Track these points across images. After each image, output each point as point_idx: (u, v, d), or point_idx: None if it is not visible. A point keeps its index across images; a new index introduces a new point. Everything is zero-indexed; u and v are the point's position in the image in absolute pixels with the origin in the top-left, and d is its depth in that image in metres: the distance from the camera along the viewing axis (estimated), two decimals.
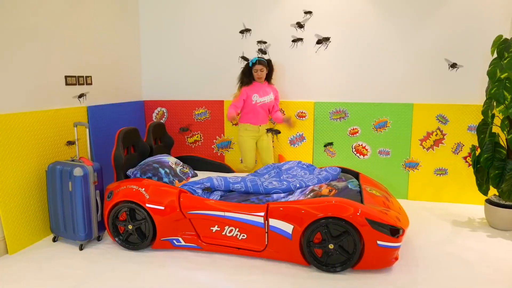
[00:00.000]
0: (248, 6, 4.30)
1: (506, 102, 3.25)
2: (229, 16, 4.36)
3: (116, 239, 3.07)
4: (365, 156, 4.31)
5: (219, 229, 2.90)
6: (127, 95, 4.42)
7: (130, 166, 3.37)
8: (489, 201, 3.56)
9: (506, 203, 3.44)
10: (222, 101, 4.52)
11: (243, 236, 2.86)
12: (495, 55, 3.39)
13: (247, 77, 4.01)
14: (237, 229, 2.86)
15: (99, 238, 3.21)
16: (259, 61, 3.97)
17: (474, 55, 3.92)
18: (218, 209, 2.87)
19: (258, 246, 2.85)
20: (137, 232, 3.02)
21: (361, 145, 4.30)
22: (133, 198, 2.96)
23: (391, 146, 4.23)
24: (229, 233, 2.89)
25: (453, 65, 3.90)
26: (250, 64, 4.00)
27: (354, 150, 4.32)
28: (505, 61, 3.21)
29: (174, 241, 2.99)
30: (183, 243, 2.98)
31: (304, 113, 4.35)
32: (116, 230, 3.07)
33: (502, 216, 3.45)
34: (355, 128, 4.28)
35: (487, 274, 2.70)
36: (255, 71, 3.97)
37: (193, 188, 3.12)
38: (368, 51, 4.15)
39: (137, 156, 3.52)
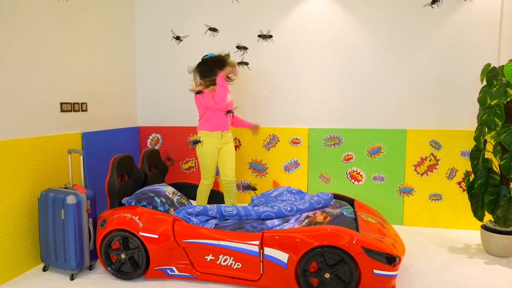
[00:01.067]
0: (245, 31, 4.37)
1: (497, 129, 3.29)
2: (225, 41, 4.42)
3: (109, 268, 3.01)
4: (360, 182, 4.31)
5: (213, 258, 2.86)
6: (122, 121, 4.43)
7: (125, 193, 3.34)
8: (485, 227, 3.55)
9: (502, 229, 3.43)
10: None
11: (238, 265, 2.82)
12: (485, 82, 3.46)
13: (213, 72, 3.63)
14: (232, 258, 2.82)
15: (91, 268, 3.14)
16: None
17: (465, 81, 4.00)
18: (213, 238, 2.83)
19: (253, 275, 2.80)
20: (130, 261, 2.96)
21: (356, 171, 4.31)
22: (126, 226, 2.92)
23: (386, 172, 4.24)
24: (223, 262, 2.85)
25: (433, 1, 3.87)
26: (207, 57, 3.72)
27: (348, 176, 4.33)
28: (494, 89, 3.27)
29: (168, 270, 2.93)
30: (177, 272, 2.93)
31: (298, 139, 4.37)
32: (108, 259, 3.01)
33: (498, 242, 3.43)
34: (350, 154, 4.30)
35: None
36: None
37: (188, 216, 3.09)
38: (362, 77, 4.22)
39: (132, 183, 3.49)
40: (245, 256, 2.77)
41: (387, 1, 4.10)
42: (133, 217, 2.95)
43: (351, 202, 3.53)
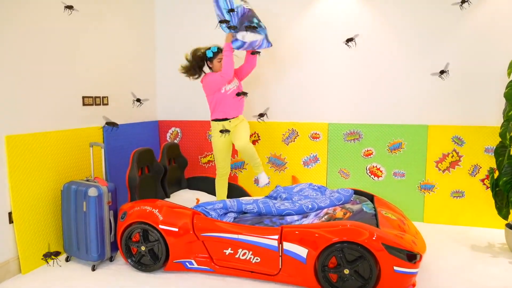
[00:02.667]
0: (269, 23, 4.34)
1: None
2: None
3: (129, 260, 3.05)
4: (380, 178, 4.26)
5: (232, 252, 2.87)
6: (142, 115, 4.48)
7: (145, 186, 3.38)
8: (509, 226, 3.46)
9: None
10: None
11: (257, 259, 2.82)
12: None
13: (199, 68, 3.64)
14: (251, 252, 2.82)
15: (111, 259, 3.20)
16: (220, 49, 3.54)
17: (490, 76, 3.88)
18: (232, 232, 2.84)
19: (272, 270, 2.80)
20: (149, 253, 3.00)
21: (376, 166, 4.25)
22: (146, 219, 2.95)
23: (406, 168, 4.17)
24: (242, 256, 2.86)
25: (442, 72, 3.83)
26: (211, 54, 3.55)
27: (368, 171, 4.28)
28: None
29: (187, 263, 2.96)
30: (196, 265, 2.95)
31: (318, 134, 4.34)
32: (129, 251, 3.06)
33: None
34: (369, 150, 4.25)
35: None
36: (219, 61, 3.53)
37: (207, 209, 3.11)
38: (382, 71, 4.15)
39: (151, 177, 3.54)
40: (264, 251, 2.77)
41: None
42: (153, 210, 2.98)
43: (370, 198, 3.49)
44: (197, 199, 3.52)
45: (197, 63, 3.63)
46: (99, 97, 3.77)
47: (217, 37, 3.82)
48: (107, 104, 3.88)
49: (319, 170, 4.38)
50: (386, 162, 4.21)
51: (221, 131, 3.55)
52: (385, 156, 4.21)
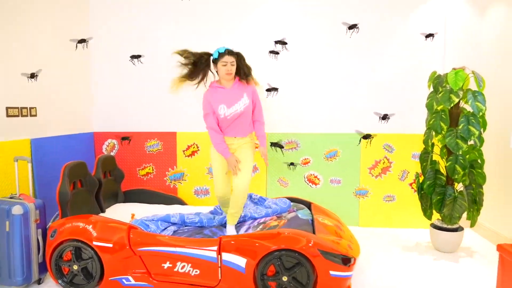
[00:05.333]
0: (201, 35, 4.36)
1: (443, 132, 3.47)
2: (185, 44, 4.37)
3: (60, 281, 2.88)
4: (317, 186, 4.40)
5: (171, 265, 2.80)
6: (75, 127, 4.26)
7: (77, 202, 3.21)
8: (433, 225, 3.73)
9: (448, 226, 3.62)
10: (175, 133, 4.47)
11: (196, 271, 2.78)
12: (432, 89, 3.64)
13: (202, 72, 2.99)
14: (190, 265, 2.78)
15: (39, 282, 2.98)
16: (229, 51, 2.90)
17: (416, 88, 4.19)
18: (170, 245, 2.78)
19: (212, 281, 2.78)
20: (83, 272, 2.85)
21: (313, 174, 4.39)
22: (79, 236, 2.81)
23: (342, 175, 4.36)
24: (181, 269, 2.80)
25: (384, 117, 4.15)
26: (216, 56, 2.91)
27: (306, 179, 4.41)
28: (440, 95, 3.45)
29: (123, 280, 2.85)
30: (133, 282, 2.85)
31: (256, 144, 4.39)
32: (59, 271, 2.88)
33: (445, 239, 3.62)
34: (307, 158, 4.38)
35: None
36: (224, 64, 2.87)
37: (146, 223, 3.03)
38: (319, 82, 4.32)
39: (85, 191, 3.37)
40: (203, 262, 2.74)
41: (337, 14, 4.24)
42: (86, 226, 2.85)
43: (308, 205, 3.59)
44: (132, 214, 3.40)
45: (202, 68, 3.01)
46: (26, 107, 3.54)
47: (161, 40, 3.75)
48: (35, 115, 3.65)
49: (259, 179, 4.43)
50: (323, 170, 4.37)
51: (275, 144, 3.64)
52: (322, 164, 4.37)
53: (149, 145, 4.51)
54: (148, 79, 4.47)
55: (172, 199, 4.07)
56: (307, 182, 4.41)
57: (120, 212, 3.56)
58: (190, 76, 3.02)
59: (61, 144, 3.94)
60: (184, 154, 4.48)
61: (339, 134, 4.32)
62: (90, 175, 3.44)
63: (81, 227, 2.85)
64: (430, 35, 4.19)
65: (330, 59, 4.28)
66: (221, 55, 2.87)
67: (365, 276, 3.14)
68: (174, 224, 3.11)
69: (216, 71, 3.01)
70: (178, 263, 2.79)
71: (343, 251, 2.68)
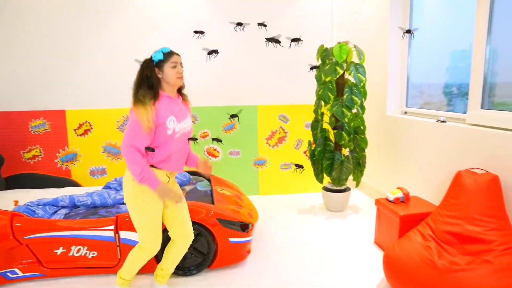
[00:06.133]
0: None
1: (331, 102, 3.76)
2: (70, 15, 4.02)
3: None
4: (217, 158, 4.48)
5: (64, 250, 2.65)
6: None
7: None
8: (325, 188, 4.07)
9: (337, 188, 3.98)
10: (64, 111, 4.13)
11: (93, 253, 2.67)
12: (320, 61, 3.89)
13: (155, 83, 2.13)
14: (86, 247, 2.65)
15: None
16: (175, 52, 2.20)
17: (306, 61, 4.41)
18: (62, 229, 2.61)
19: (111, 261, 2.70)
20: None
21: (212, 147, 4.45)
22: None
23: (241, 147, 4.49)
24: (76, 253, 2.66)
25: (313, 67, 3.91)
26: (161, 57, 2.13)
27: (206, 153, 4.45)
28: (327, 67, 3.71)
29: (9, 273, 2.61)
30: (20, 274, 2.63)
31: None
32: None
33: (335, 200, 3.98)
34: (206, 132, 4.41)
35: (325, 250, 3.09)
36: (173, 66, 2.15)
37: (32, 208, 2.79)
38: (212, 57, 4.31)
39: None
40: (100, 243, 2.64)
41: None
42: None
43: (208, 178, 3.64)
44: (15, 201, 3.11)
45: (145, 76, 2.13)
46: None
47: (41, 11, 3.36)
48: None
49: None
50: (222, 142, 4.44)
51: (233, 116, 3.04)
52: (220, 136, 4.43)
53: (34, 125, 4.12)
54: (33, 53, 4.02)
55: (64, 182, 3.81)
56: (207, 155, 4.45)
57: (1, 200, 3.23)
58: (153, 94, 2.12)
59: None
60: (75, 133, 4.18)
61: (237, 106, 4.40)
62: None
63: None
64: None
65: (229, 34, 4.29)
66: (167, 55, 2.17)
67: (264, 239, 3.33)
68: (64, 207, 2.92)
69: (159, 78, 2.18)
70: (73, 247, 2.65)
71: (242, 218, 2.79)
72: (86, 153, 4.23)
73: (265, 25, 3.57)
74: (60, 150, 4.20)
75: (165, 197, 2.11)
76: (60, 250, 2.65)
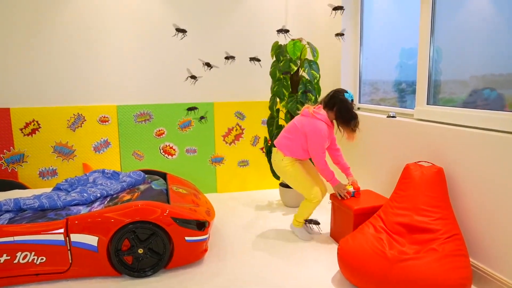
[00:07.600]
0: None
1: (286, 98, 3.80)
2: (14, 8, 3.79)
3: None
4: (173, 156, 4.41)
5: (9, 257, 2.50)
6: None
7: None
8: (281, 184, 4.12)
9: None
10: (8, 109, 3.90)
11: (42, 259, 2.55)
12: (274, 58, 3.92)
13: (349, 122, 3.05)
14: (33, 253, 2.52)
15: None
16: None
17: (261, 58, 4.45)
18: (6, 234, 2.47)
19: (61, 266, 2.59)
20: None
21: (169, 145, 4.38)
22: None
23: (197, 144, 4.44)
24: (23, 259, 2.52)
25: (192, 77, 4.24)
26: (350, 99, 3.06)
27: (162, 151, 4.37)
28: (281, 64, 3.75)
29: None
30: None
31: (107, 117, 4.15)
32: None
33: (291, 196, 4.04)
34: (161, 130, 4.33)
35: (283, 246, 3.13)
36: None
37: None
38: (167, 53, 4.24)
39: None
40: (48, 248, 2.52)
41: None
42: None
43: (163, 176, 3.58)
44: None
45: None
46: None
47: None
48: None
49: (112, 154, 4.22)
50: (178, 140, 4.38)
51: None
52: (176, 134, 4.37)
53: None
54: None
55: (10, 184, 3.61)
56: (163, 153, 4.38)
57: None
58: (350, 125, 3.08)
59: None
60: (22, 133, 3.97)
61: (192, 103, 4.35)
62: None
63: None
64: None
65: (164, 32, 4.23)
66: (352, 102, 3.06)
67: (222, 237, 3.32)
68: (8, 211, 2.76)
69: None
70: (19, 254, 2.51)
71: (198, 216, 2.77)
72: (34, 154, 4.02)
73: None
74: (5, 151, 3.96)
75: (338, 191, 3.18)
76: (3, 258, 2.50)
